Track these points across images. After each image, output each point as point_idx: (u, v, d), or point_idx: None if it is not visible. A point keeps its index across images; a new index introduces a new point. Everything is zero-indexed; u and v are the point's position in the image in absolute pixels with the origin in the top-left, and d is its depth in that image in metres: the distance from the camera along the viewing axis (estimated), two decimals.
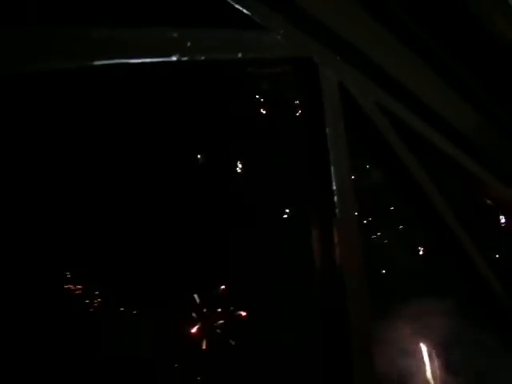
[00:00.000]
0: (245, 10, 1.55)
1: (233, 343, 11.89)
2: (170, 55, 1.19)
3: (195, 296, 11.82)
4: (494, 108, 3.54)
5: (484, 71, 3.31)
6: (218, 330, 12.03)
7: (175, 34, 1.23)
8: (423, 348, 10.32)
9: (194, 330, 11.84)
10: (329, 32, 1.89)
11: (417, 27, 2.82)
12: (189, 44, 1.26)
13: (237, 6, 1.52)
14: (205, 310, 11.91)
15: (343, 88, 1.80)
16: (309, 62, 1.68)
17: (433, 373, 10.39)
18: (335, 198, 1.43)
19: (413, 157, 2.04)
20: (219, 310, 11.98)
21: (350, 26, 2.47)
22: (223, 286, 11.90)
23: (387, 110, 2.02)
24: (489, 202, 3.00)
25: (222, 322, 12.06)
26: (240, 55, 1.41)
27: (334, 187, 1.46)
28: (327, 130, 1.55)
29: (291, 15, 1.70)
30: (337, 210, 1.44)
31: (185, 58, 1.23)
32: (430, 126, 2.49)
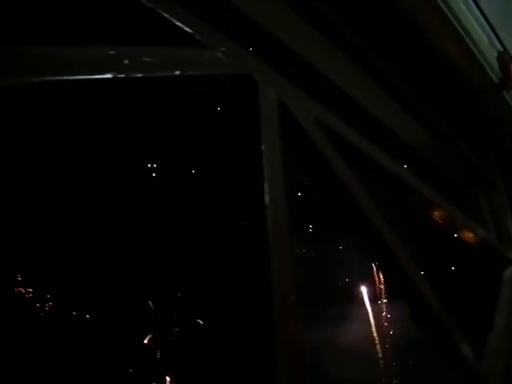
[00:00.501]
0: (186, 28, 1.60)
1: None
2: (105, 72, 1.22)
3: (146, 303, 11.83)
4: (440, 124, 3.71)
5: (425, 84, 3.48)
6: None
7: (112, 52, 1.27)
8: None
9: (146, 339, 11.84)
10: (271, 47, 1.97)
11: (360, 41, 2.95)
12: (126, 61, 1.30)
13: (178, 24, 1.58)
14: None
15: (283, 105, 1.87)
16: (249, 80, 1.74)
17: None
18: (267, 211, 1.50)
19: (351, 173, 2.13)
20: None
21: (296, 42, 2.57)
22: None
23: (327, 127, 2.10)
24: (434, 217, 3.12)
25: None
26: (178, 72, 1.46)
27: (267, 201, 1.52)
28: (263, 146, 1.62)
29: (233, 32, 1.77)
30: (268, 224, 1.50)
31: (121, 75, 1.27)
32: (374, 141, 2.61)
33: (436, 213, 3.12)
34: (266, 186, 1.52)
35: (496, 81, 3.56)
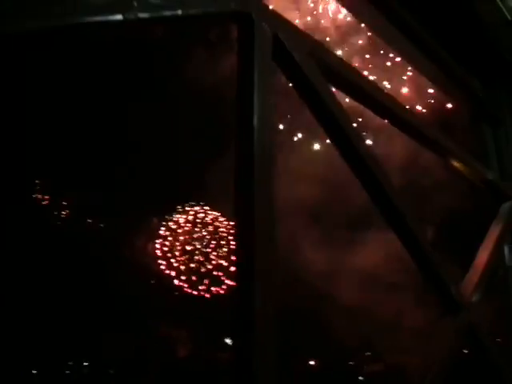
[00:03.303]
0: None
1: None
2: (116, 13, 1.51)
3: None
4: (449, 58, 3.82)
5: (436, 18, 3.56)
6: None
7: None
8: None
9: None
10: None
11: None
12: (135, 3, 1.58)
13: None
14: None
15: (279, 40, 2.11)
16: (246, 17, 1.99)
17: None
18: (255, 134, 1.80)
19: (341, 105, 2.36)
20: None
21: None
22: None
23: (322, 61, 2.34)
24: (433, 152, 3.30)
25: None
26: (180, 12, 1.73)
27: (255, 124, 1.82)
28: (255, 76, 1.89)
29: None
30: (255, 151, 1.80)
31: (131, 17, 1.56)
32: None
33: (436, 147, 3.32)
34: (255, 111, 1.81)
35: (509, 18, 3.63)
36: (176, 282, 16.70)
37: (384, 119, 2.71)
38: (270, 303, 1.70)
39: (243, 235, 1.76)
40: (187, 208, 17.75)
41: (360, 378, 14.71)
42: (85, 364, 13.59)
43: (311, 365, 15.20)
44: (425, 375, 2.69)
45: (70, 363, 13.45)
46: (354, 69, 2.54)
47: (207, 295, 16.72)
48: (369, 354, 15.13)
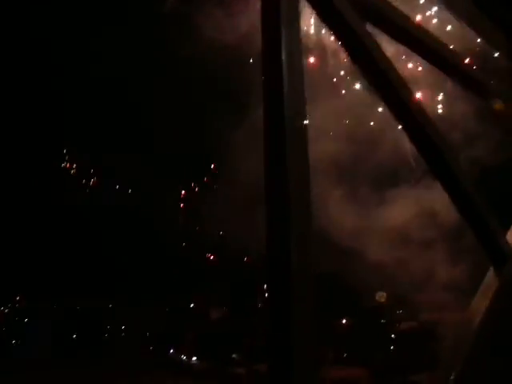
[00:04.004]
0: None
1: None
2: None
3: None
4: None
5: None
6: None
7: None
8: None
9: None
10: None
11: None
12: None
13: None
14: None
15: None
16: None
17: None
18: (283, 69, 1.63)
19: (371, 34, 2.16)
20: None
21: None
22: None
23: None
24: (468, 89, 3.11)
25: None
26: None
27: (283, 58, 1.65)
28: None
29: None
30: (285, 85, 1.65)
31: None
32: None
33: (480, 89, 3.11)
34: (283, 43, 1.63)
35: None
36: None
37: (428, 61, 2.51)
38: (306, 267, 1.60)
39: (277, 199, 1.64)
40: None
41: (392, 336, 14.69)
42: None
43: (343, 324, 15.27)
44: (468, 330, 2.57)
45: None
46: (392, 6, 2.33)
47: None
48: (400, 311, 15.09)
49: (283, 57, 1.50)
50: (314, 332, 1.68)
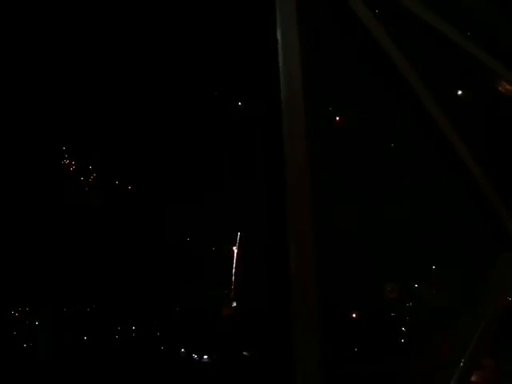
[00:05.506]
0: None
1: None
2: None
3: None
4: None
5: None
6: None
7: None
8: None
9: None
10: None
11: None
12: None
13: None
14: None
15: None
16: None
17: None
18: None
19: (381, 26, 2.08)
20: None
21: None
22: None
23: None
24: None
25: None
26: None
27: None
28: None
29: None
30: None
31: None
32: None
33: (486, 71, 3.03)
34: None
35: None
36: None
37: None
38: (305, 264, 1.53)
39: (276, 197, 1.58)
40: None
41: (402, 328, 14.61)
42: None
43: (352, 316, 15.20)
44: (479, 317, 2.51)
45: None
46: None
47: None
48: (410, 304, 15.00)
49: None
50: (315, 331, 1.62)
